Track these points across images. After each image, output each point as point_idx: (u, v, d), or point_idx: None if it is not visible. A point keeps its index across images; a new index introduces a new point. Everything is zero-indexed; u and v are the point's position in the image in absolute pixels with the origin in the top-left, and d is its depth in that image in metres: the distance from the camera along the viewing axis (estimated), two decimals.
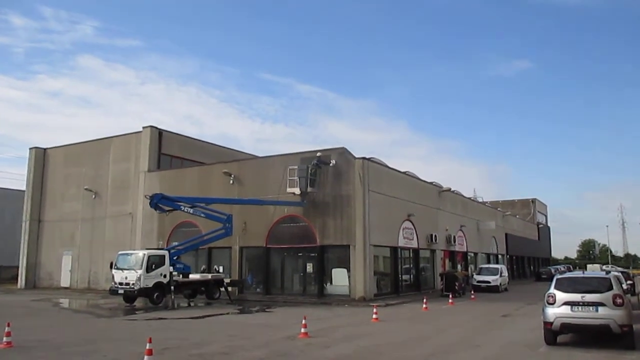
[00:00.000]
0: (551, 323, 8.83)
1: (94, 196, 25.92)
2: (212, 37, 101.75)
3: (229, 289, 19.58)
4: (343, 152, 19.98)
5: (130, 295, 17.03)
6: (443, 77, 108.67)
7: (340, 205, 19.59)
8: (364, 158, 19.73)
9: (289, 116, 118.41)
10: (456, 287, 21.47)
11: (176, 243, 20.70)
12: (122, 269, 16.98)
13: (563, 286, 9.02)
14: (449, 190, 27.28)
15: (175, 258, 18.03)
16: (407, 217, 22.58)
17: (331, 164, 19.69)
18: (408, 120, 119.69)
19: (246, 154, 30.39)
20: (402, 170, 23.74)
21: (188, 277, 18.35)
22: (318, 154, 19.71)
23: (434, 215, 25.68)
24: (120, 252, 17.82)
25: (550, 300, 8.93)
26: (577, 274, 9.74)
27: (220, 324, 12.07)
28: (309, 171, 19.53)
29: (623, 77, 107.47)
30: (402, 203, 22.36)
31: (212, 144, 28.32)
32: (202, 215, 18.38)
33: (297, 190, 19.63)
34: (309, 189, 19.48)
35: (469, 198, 34.04)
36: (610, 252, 67.27)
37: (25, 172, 27.66)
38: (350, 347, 8.83)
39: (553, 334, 8.97)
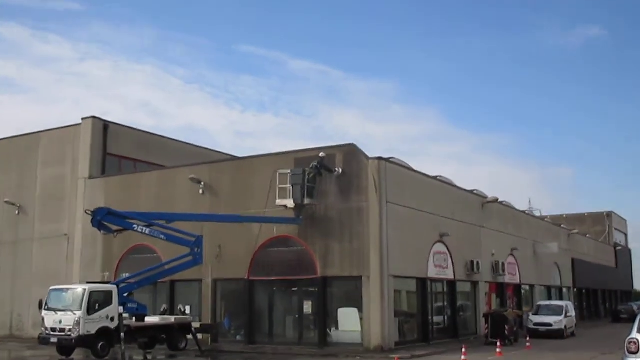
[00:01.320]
0: None
1: (17, 211, 25.76)
2: None
3: (199, 336, 19.56)
4: (352, 151, 20.06)
5: (66, 346, 16.89)
6: (485, 50, 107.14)
7: (349, 222, 19.66)
8: (380, 158, 19.80)
9: (280, 102, 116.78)
10: (506, 332, 21.48)
11: (127, 275, 20.69)
12: (55, 310, 16.87)
13: None
14: (495, 201, 27.45)
15: (126, 295, 18.02)
16: (439, 238, 22.68)
17: (336, 172, 19.81)
18: (440, 108, 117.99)
19: (222, 153, 30.33)
20: (432, 174, 23.93)
21: (144, 320, 18.35)
22: (321, 154, 19.74)
23: (475, 235, 25.75)
24: (52, 288, 17.73)
25: (633, 348, 8.94)
26: None
27: None
28: (307, 177, 19.56)
29: None
30: (433, 219, 22.45)
31: (175, 140, 28.50)
32: (162, 237, 18.41)
33: (290, 203, 19.74)
34: (306, 201, 19.66)
35: (523, 212, 34.05)
36: None
37: None
38: None
39: None
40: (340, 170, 19.88)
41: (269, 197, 20.26)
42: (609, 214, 51.22)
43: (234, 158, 26.90)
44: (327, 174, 19.99)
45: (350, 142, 20.24)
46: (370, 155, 19.93)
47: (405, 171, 21.58)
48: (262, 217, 20.30)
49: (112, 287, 17.64)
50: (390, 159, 20.88)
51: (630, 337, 9.11)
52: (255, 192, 21.21)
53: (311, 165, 19.79)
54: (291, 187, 19.82)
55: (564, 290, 36.40)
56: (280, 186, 20.20)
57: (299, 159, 20.52)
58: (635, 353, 8.88)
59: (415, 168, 22.63)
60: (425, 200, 22.15)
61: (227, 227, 21.16)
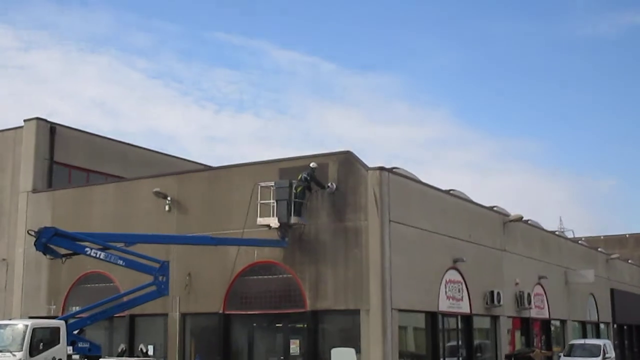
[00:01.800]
0: None
1: None
2: None
3: None
4: (349, 160, 20.34)
5: None
6: (507, 37, 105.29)
7: (345, 245, 19.89)
8: (381, 168, 20.05)
9: (262, 101, 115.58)
10: None
11: (78, 308, 20.76)
12: None
13: None
14: (519, 219, 27.51)
15: (76, 332, 18.18)
16: (452, 265, 22.91)
17: (329, 189, 20.14)
18: (453, 107, 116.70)
19: (192, 162, 30.59)
20: (444, 187, 24.06)
21: None
22: (311, 164, 20.04)
23: (496, 260, 25.96)
24: None
25: None
26: None
27: None
28: (294, 191, 19.78)
29: None
30: (445, 241, 22.68)
31: (136, 146, 28.67)
32: (121, 262, 18.57)
33: (274, 222, 19.95)
34: (293, 220, 19.77)
35: (553, 232, 34.23)
36: None
37: None
38: None
39: None
40: (335, 187, 20.17)
41: (248, 215, 20.37)
42: None
43: (206, 168, 27.11)
44: (317, 189, 20.18)
45: (346, 149, 20.54)
46: (369, 165, 20.17)
47: (411, 184, 21.77)
48: (240, 239, 20.39)
49: (60, 323, 17.59)
50: (394, 169, 21.15)
51: None
52: (232, 209, 21.37)
53: (299, 177, 19.97)
54: (275, 203, 20.00)
55: (602, 326, 36.51)
56: (262, 202, 20.39)
57: (285, 169, 20.75)
58: None
59: (423, 180, 22.92)
60: (435, 218, 22.32)
61: (199, 250, 21.29)
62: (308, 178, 19.94)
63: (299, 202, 19.89)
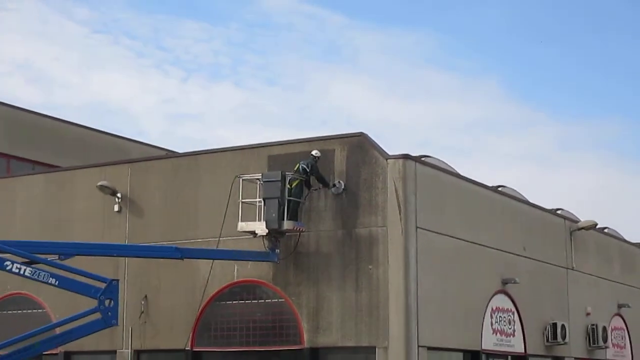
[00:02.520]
0: None
1: None
2: None
3: None
4: (362, 145, 20.54)
5: None
6: None
7: (355, 259, 20.04)
8: (406, 157, 20.21)
9: (245, 65, 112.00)
10: None
11: None
12: None
13: None
14: (592, 227, 27.67)
15: None
16: (500, 287, 23.05)
17: (334, 188, 20.37)
18: (504, 77, 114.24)
19: (150, 147, 30.85)
20: (491, 183, 24.20)
21: None
22: (313, 152, 20.26)
23: (559, 281, 26.02)
24: None
25: None
26: None
27: None
28: (288, 187, 20.02)
29: None
30: (491, 255, 22.84)
31: (75, 124, 28.93)
32: (53, 281, 18.34)
33: (260, 228, 20.11)
34: (286, 225, 19.82)
35: (638, 245, 34.04)
36: None
37: None
38: None
39: None
40: (342, 186, 20.38)
41: (226, 219, 20.40)
42: None
43: (170, 155, 27.15)
44: (319, 185, 20.33)
45: (359, 131, 20.59)
46: (389, 153, 20.30)
47: (446, 178, 21.86)
48: (214, 251, 20.53)
49: None
50: (423, 159, 21.27)
51: None
52: (204, 210, 21.56)
53: (296, 168, 20.10)
54: (262, 203, 20.10)
55: None
56: (245, 201, 20.50)
57: (276, 157, 20.96)
58: None
59: (462, 173, 22.92)
60: (478, 225, 22.46)
61: (159, 266, 21.48)
62: (308, 170, 20.10)
63: (294, 202, 19.99)
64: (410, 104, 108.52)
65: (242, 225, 20.30)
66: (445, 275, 20.82)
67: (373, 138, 20.56)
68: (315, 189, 20.56)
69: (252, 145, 21.87)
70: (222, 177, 21.14)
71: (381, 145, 20.47)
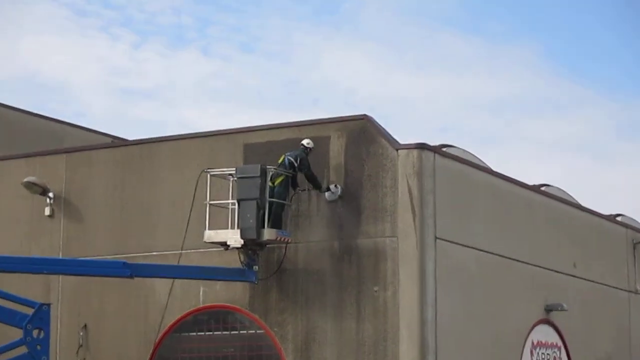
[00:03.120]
0: None
1: None
2: None
3: None
4: (365, 131, 20.46)
5: None
6: None
7: (357, 278, 19.92)
8: (422, 147, 20.08)
9: (215, 29, 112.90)
10: None
11: None
12: None
13: None
14: None
15: None
16: (543, 316, 23.04)
17: (329, 193, 20.43)
18: (546, 44, 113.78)
19: (92, 132, 31.44)
20: (531, 182, 24.33)
21: None
22: (305, 141, 20.32)
23: (620, 308, 26.01)
24: None
25: None
26: None
27: None
28: (270, 184, 19.97)
29: None
30: (532, 274, 22.87)
31: None
32: None
33: (233, 238, 19.97)
34: (267, 234, 19.67)
35: None
36: None
37: None
38: None
39: None
40: (339, 191, 20.31)
41: (189, 226, 20.37)
42: None
43: (118, 143, 27.33)
44: (308, 186, 20.42)
45: (361, 113, 20.62)
46: (401, 141, 20.21)
47: (474, 174, 21.87)
48: (174, 268, 20.52)
49: None
50: (444, 149, 21.32)
51: None
52: (162, 214, 21.76)
53: (280, 161, 20.08)
54: (236, 206, 20.05)
55: None
56: (214, 203, 20.43)
57: (254, 146, 21.03)
58: None
59: (494, 168, 22.97)
60: (515, 234, 22.53)
61: (103, 286, 21.32)
62: (296, 164, 20.01)
63: (278, 204, 19.88)
64: (426, 79, 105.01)
65: (210, 235, 20.14)
66: (471, 300, 20.66)
67: (379, 122, 20.45)
68: (303, 190, 20.48)
69: (223, 130, 21.89)
70: (185, 172, 21.17)
71: (390, 132, 20.33)
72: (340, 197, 20.19)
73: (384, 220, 19.77)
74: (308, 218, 20.39)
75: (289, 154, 19.98)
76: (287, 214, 20.15)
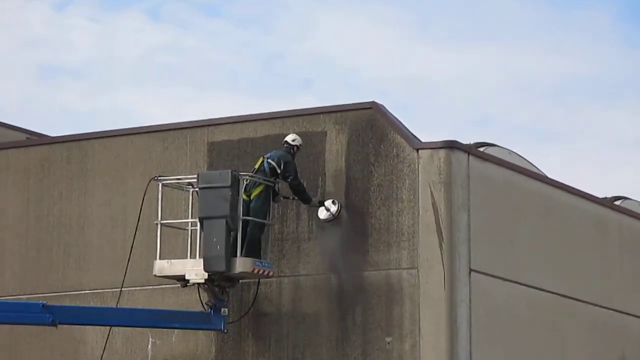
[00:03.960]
0: None
1: None
2: None
3: None
4: (373, 122, 20.91)
5: None
6: None
7: (361, 325, 20.26)
8: (452, 146, 20.36)
9: None
10: None
11: None
12: None
13: None
14: None
15: None
16: None
17: (325, 210, 20.92)
18: (619, 8, 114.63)
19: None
20: (602, 194, 25.05)
21: None
22: (290, 138, 20.68)
23: None
24: None
25: None
26: None
27: None
28: (245, 198, 20.33)
29: None
30: (604, 319, 23.43)
31: None
32: None
33: (194, 270, 20.19)
34: (239, 267, 19.88)
35: None
36: None
37: None
38: None
39: None
40: (339, 209, 20.78)
41: (132, 254, 20.68)
42: None
43: (33, 141, 27.39)
44: (295, 200, 20.76)
45: (368, 100, 21.01)
46: (423, 139, 20.61)
47: (524, 184, 22.24)
48: (112, 312, 20.91)
49: None
50: (482, 148, 21.95)
51: None
52: (94, 238, 22.31)
53: (258, 165, 20.36)
54: (198, 226, 20.27)
55: None
56: (168, 222, 20.75)
57: (222, 145, 21.65)
58: None
59: (551, 176, 23.47)
60: (581, 266, 23.00)
61: (14, 335, 21.92)
62: (279, 169, 20.18)
63: (255, 225, 20.22)
64: (458, 53, 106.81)
65: (163, 266, 20.27)
66: (518, 354, 20.94)
67: (392, 112, 20.81)
68: (287, 198, 20.70)
69: (180, 124, 22.39)
70: (128, 181, 21.93)
71: (407, 125, 20.70)
72: (337, 216, 20.51)
73: (400, 247, 19.99)
74: (296, 243, 20.66)
75: (269, 155, 20.13)
76: (267, 237, 20.49)
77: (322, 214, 20.66)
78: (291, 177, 20.18)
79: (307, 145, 20.54)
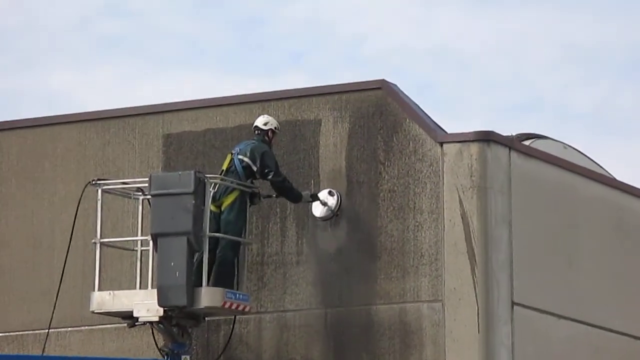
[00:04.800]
0: None
1: None
2: None
3: None
4: (383, 109, 21.61)
5: None
6: None
7: None
8: (488, 138, 20.86)
9: None
10: None
11: None
12: None
13: None
14: None
15: None
16: None
17: (321, 204, 21.76)
18: None
19: None
20: None
21: None
22: (262, 121, 21.36)
23: None
24: None
25: None
26: None
27: None
28: (214, 210, 21.03)
29: None
30: None
31: None
32: None
33: (145, 305, 20.61)
34: (204, 301, 20.24)
35: None
36: None
37: None
38: None
39: None
40: (337, 200, 21.53)
41: (62, 283, 21.16)
42: None
43: None
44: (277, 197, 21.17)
45: (376, 78, 21.78)
46: (449, 129, 21.19)
47: (585, 188, 22.84)
48: None
49: None
50: (529, 141, 22.69)
51: None
52: (12, 263, 23.19)
53: (228, 163, 20.93)
54: (149, 247, 20.44)
55: None
56: (109, 242, 21.12)
57: (179, 137, 22.51)
58: None
59: (622, 179, 23.79)
60: None
61: None
62: (254, 166, 20.74)
63: (227, 244, 20.71)
64: (495, 17, 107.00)
65: (103, 300, 20.51)
66: None
67: (408, 94, 21.25)
68: (269, 196, 21.29)
69: (126, 110, 23.18)
70: (55, 185, 22.73)
71: (428, 111, 21.15)
72: (337, 213, 21.14)
73: (419, 273, 20.44)
74: (281, 268, 21.14)
75: (238, 150, 20.73)
76: (243, 261, 20.74)
77: (318, 210, 21.21)
78: (272, 173, 20.63)
79: (295, 138, 21.13)
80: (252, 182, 21.12)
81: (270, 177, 20.53)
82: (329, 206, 21.10)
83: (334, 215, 21.09)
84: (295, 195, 20.84)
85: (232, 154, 20.81)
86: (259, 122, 20.81)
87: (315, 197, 21.07)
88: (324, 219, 21.09)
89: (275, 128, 20.77)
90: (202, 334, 21.27)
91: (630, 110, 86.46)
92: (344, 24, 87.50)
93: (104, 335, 21.67)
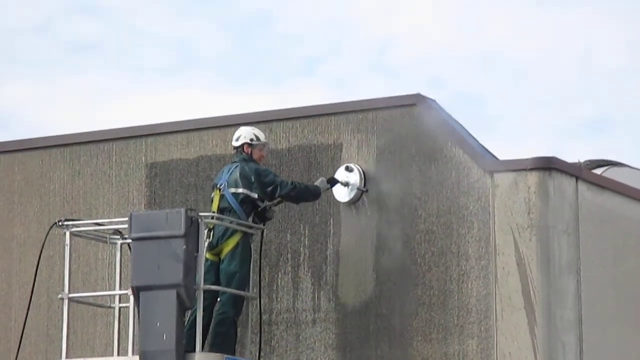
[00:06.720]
0: None
1: None
2: None
3: None
4: (417, 128, 19.44)
5: None
6: None
7: None
8: (550, 166, 18.52)
9: None
10: None
11: None
12: None
13: None
14: None
15: None
16: None
17: (342, 185, 19.89)
18: None
19: None
20: None
21: None
22: (236, 138, 19.61)
23: None
24: None
25: None
26: None
27: None
28: (210, 258, 19.07)
29: None
30: None
31: None
32: None
33: None
34: None
35: None
36: None
37: None
38: None
39: None
40: (359, 178, 19.85)
41: (21, 344, 19.49)
42: None
43: None
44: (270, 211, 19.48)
45: (410, 93, 19.47)
46: (500, 156, 19.05)
47: None
48: None
49: None
50: (601, 170, 21.68)
51: None
52: None
53: (219, 203, 19.02)
54: (129, 302, 18.48)
55: None
56: (78, 296, 19.46)
57: (166, 166, 20.77)
58: None
59: None
60: None
61: None
62: (252, 193, 18.78)
63: (227, 303, 18.55)
64: (559, 14, 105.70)
65: None
66: None
67: (450, 112, 19.15)
68: (279, 202, 19.42)
69: (99, 133, 21.14)
70: (13, 225, 21.30)
71: (474, 133, 18.91)
72: (365, 189, 19.41)
73: (464, 334, 18.25)
74: (293, 327, 19.23)
75: (224, 182, 18.92)
76: (247, 319, 18.91)
77: (342, 194, 19.68)
78: (278, 187, 19.05)
79: (309, 167, 19.81)
80: (254, 216, 19.26)
81: (278, 192, 19.15)
82: (352, 184, 19.71)
83: (362, 194, 19.68)
84: (312, 193, 19.50)
85: (219, 189, 19.17)
86: (233, 140, 19.55)
87: (333, 181, 19.67)
88: (352, 202, 19.83)
89: (251, 140, 19.30)
90: None
91: None
92: (369, 24, 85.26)
93: None
